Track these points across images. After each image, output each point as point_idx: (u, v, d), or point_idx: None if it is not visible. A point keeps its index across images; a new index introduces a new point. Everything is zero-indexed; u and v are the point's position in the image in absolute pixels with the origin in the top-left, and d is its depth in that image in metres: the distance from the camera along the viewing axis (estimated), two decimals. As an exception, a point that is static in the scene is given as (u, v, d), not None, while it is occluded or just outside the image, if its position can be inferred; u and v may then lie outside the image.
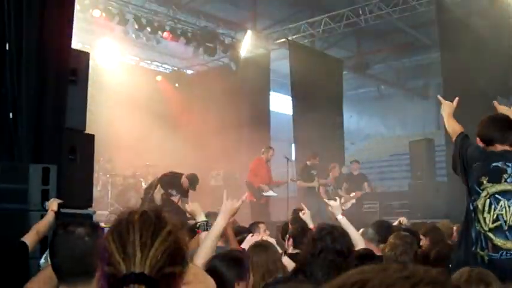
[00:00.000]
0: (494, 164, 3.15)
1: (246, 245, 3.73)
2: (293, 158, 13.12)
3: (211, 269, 2.61)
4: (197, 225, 3.41)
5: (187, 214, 3.81)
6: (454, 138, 3.43)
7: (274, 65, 14.73)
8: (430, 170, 11.42)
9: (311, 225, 4.44)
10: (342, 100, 14.37)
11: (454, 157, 3.39)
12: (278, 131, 15.06)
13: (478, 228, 3.07)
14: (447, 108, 3.73)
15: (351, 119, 20.40)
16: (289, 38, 13.85)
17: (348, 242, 3.01)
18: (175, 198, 8.82)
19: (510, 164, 3.13)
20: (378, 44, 16.59)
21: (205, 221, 3.39)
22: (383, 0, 12.44)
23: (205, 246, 2.99)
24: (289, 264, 3.67)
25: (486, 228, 3.05)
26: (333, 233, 2.96)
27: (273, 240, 4.03)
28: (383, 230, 4.76)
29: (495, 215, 3.04)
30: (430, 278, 0.77)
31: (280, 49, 14.48)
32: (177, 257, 1.38)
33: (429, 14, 11.96)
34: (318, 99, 13.00)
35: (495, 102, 3.75)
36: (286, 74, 13.71)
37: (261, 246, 3.47)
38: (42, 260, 3.21)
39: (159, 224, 1.38)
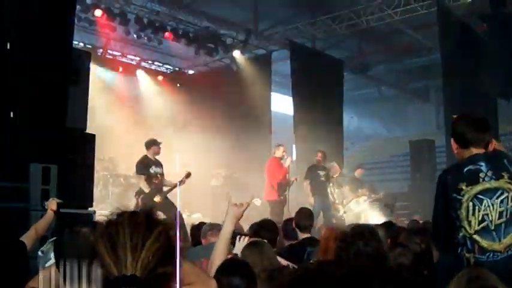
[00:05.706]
0: (466, 169, 3.04)
1: (237, 250, 3.65)
2: (294, 158, 13.11)
3: None
4: None
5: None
6: None
7: (275, 65, 14.73)
8: (430, 170, 11.41)
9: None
10: (343, 101, 14.36)
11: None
12: (279, 131, 15.06)
13: (463, 233, 3.01)
14: None
15: (351, 120, 20.42)
16: (290, 39, 13.87)
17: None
18: (155, 179, 8.56)
19: (482, 164, 3.03)
20: (379, 45, 16.59)
21: None
22: (384, 1, 12.44)
23: (219, 252, 3.08)
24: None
25: (472, 231, 2.98)
26: (365, 235, 2.95)
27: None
28: (393, 231, 4.80)
29: (480, 216, 2.97)
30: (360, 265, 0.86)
31: (281, 50, 14.50)
32: (169, 257, 1.38)
33: (430, 16, 11.95)
34: (319, 100, 13.00)
35: None
36: (287, 74, 13.71)
37: (254, 245, 3.45)
38: (40, 254, 3.22)
39: (150, 225, 1.39)
